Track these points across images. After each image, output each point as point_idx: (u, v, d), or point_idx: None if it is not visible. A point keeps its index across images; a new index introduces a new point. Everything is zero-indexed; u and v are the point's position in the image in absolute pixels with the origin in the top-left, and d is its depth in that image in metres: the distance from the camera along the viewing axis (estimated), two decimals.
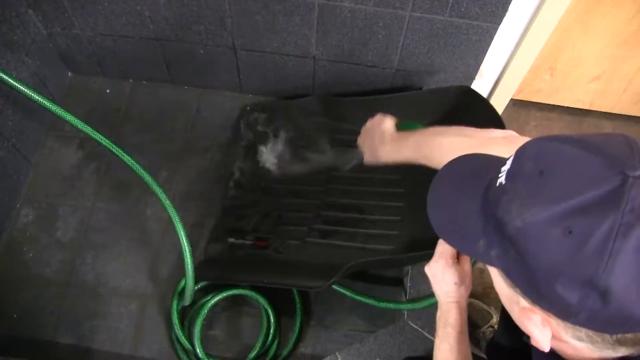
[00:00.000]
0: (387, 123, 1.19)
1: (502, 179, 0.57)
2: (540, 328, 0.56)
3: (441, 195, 0.70)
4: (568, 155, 0.52)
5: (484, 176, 0.62)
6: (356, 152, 1.30)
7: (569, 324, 0.53)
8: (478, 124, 1.25)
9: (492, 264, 0.58)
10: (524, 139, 0.85)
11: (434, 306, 1.36)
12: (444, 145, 0.95)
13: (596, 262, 0.47)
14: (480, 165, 0.67)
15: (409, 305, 1.39)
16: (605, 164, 0.50)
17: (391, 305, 1.42)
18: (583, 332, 0.53)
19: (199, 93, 1.82)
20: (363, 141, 1.26)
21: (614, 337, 0.52)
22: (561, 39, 1.61)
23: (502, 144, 0.88)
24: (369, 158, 1.22)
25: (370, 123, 1.25)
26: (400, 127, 1.18)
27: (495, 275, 0.60)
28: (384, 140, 1.15)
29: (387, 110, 1.58)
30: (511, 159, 0.57)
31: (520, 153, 0.57)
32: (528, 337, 0.59)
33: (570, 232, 0.48)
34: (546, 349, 0.57)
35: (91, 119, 1.40)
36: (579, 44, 1.64)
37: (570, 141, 0.53)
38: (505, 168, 0.57)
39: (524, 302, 0.56)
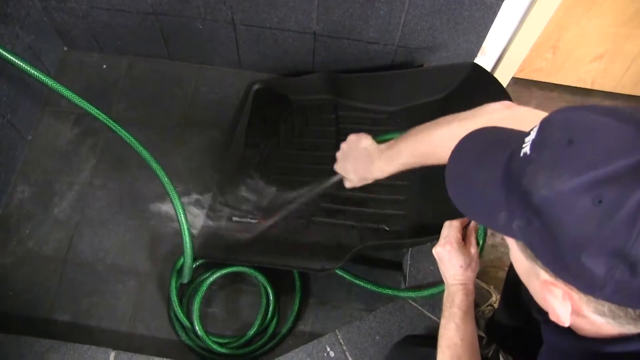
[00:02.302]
0: (366, 139, 1.12)
1: (526, 149, 0.55)
2: (561, 302, 0.55)
3: (459, 168, 0.68)
4: (598, 123, 0.51)
5: (504, 147, 0.60)
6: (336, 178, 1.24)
7: (592, 298, 0.52)
8: (484, 100, 1.23)
9: (513, 236, 0.57)
10: (523, 108, 0.84)
11: (435, 294, 1.38)
12: (443, 139, 0.92)
13: (626, 233, 0.46)
14: (499, 137, 0.65)
15: (410, 293, 1.38)
16: (637, 134, 0.48)
17: (390, 292, 1.42)
18: (606, 306, 0.52)
19: (197, 69, 1.80)
20: (343, 166, 1.18)
21: (638, 311, 0.51)
22: (565, 16, 1.59)
23: (506, 116, 0.85)
24: (354, 181, 1.16)
25: (346, 145, 1.17)
26: (380, 140, 1.12)
27: (514, 249, 0.59)
28: (371, 157, 1.09)
29: (393, 87, 1.57)
30: (535, 129, 0.56)
31: (546, 123, 0.55)
32: (541, 313, 0.58)
33: (600, 201, 0.47)
34: (566, 324, 0.56)
35: (87, 95, 1.37)
36: (582, 21, 1.62)
37: (601, 110, 0.52)
38: (529, 138, 0.55)
39: (544, 275, 0.55)
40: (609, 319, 0.53)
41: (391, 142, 1.06)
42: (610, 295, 0.50)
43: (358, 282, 1.44)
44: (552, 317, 0.56)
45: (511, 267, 1.18)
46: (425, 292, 1.36)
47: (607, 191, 0.47)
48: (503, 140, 0.62)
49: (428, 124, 0.98)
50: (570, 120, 0.53)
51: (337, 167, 1.20)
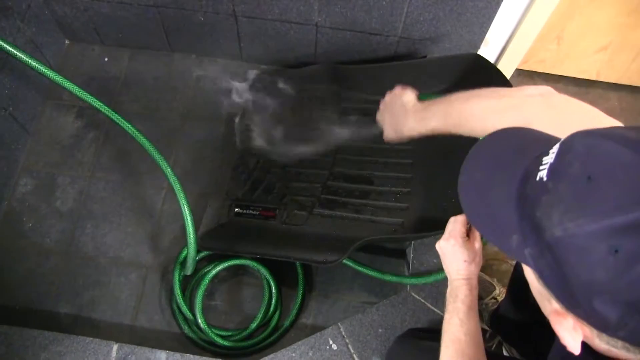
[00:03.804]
0: (409, 95, 1.11)
1: (543, 173, 0.51)
2: (572, 332, 0.52)
3: (473, 179, 0.64)
4: (622, 161, 0.46)
5: (521, 160, 0.56)
6: (374, 125, 1.22)
7: (604, 335, 0.50)
8: None
9: (525, 263, 0.54)
10: (560, 96, 0.80)
11: (439, 280, 1.37)
12: (475, 111, 0.89)
13: None
14: (517, 145, 0.61)
15: (414, 280, 1.38)
16: None
17: (395, 279, 1.41)
18: (619, 343, 0.49)
19: (199, 61, 1.79)
20: (383, 116, 1.18)
21: None
22: (569, 6, 1.58)
23: (538, 103, 0.81)
24: (390, 134, 1.15)
25: (389, 96, 1.17)
26: (422, 98, 1.10)
27: (527, 270, 0.56)
28: (407, 113, 1.07)
29: (395, 77, 1.56)
30: (555, 152, 0.52)
31: (566, 147, 0.51)
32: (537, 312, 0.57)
33: (616, 251, 0.44)
34: (576, 352, 0.53)
35: (89, 88, 1.37)
36: (587, 12, 1.60)
37: (627, 142, 0.47)
38: (547, 160, 0.51)
39: (556, 305, 0.52)
40: (622, 351, 0.51)
41: (428, 102, 1.04)
42: (623, 336, 0.48)
43: (362, 269, 1.43)
44: (563, 343, 0.53)
45: (518, 265, 1.17)
46: (429, 279, 1.36)
47: (625, 241, 0.44)
48: (520, 149, 0.59)
49: (465, 94, 0.94)
50: (593, 151, 0.49)
51: (378, 116, 1.19)
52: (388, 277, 1.42)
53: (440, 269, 1.38)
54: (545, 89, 0.83)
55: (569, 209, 0.47)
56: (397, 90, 1.15)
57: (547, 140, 0.56)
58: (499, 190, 0.57)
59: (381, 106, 1.19)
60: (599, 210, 0.45)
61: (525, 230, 0.53)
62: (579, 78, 1.89)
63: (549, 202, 0.50)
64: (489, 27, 1.52)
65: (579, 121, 0.73)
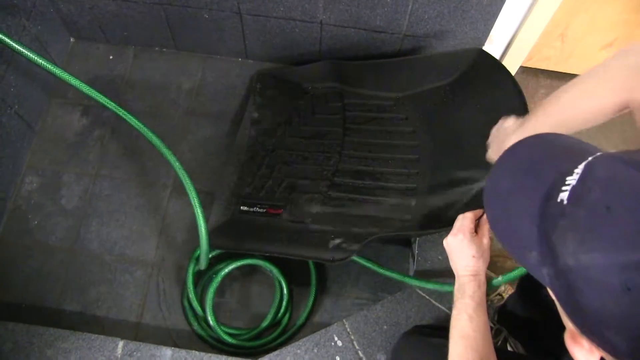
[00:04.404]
0: (510, 119, 1.08)
1: (564, 195, 0.50)
2: (587, 354, 0.51)
3: (499, 188, 0.62)
4: None
5: (548, 173, 0.54)
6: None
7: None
8: (490, 86, 1.22)
9: (542, 281, 0.53)
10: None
11: (443, 275, 1.37)
12: (576, 100, 0.85)
13: None
14: (547, 155, 0.59)
15: (417, 282, 1.37)
16: None
17: (399, 277, 1.41)
18: None
19: (204, 59, 1.79)
20: (492, 146, 1.13)
21: None
22: (573, 3, 1.57)
23: (625, 69, 0.77)
24: (495, 155, 1.11)
25: (494, 128, 1.12)
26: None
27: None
28: (507, 135, 1.04)
29: (399, 73, 1.57)
30: (580, 171, 0.50)
31: (589, 170, 0.50)
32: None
33: (628, 288, 0.43)
34: None
35: (94, 86, 1.38)
36: (591, 8, 1.60)
37: None
38: (570, 182, 0.50)
39: (571, 325, 0.51)
40: None
41: (526, 117, 1.00)
42: None
43: (367, 265, 1.42)
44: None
45: None
46: (432, 285, 1.35)
47: (638, 279, 0.43)
48: (549, 162, 0.57)
49: (557, 92, 0.90)
50: (614, 180, 0.47)
51: (488, 153, 1.14)
52: (393, 275, 1.41)
53: (445, 273, 1.37)
54: (634, 51, 0.78)
55: (584, 239, 0.46)
56: (502, 119, 1.11)
57: (578, 154, 0.54)
58: (522, 204, 0.56)
59: (490, 137, 1.14)
60: (613, 244, 0.44)
61: (544, 250, 0.52)
62: None
63: (565, 227, 0.49)
64: (493, 24, 1.51)
65: None
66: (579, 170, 0.50)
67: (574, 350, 0.52)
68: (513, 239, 0.58)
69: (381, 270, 1.40)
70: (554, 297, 0.54)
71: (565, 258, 0.48)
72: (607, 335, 0.46)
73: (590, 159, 0.51)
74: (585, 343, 0.51)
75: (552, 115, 0.90)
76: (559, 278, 0.49)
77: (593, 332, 0.48)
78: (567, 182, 0.50)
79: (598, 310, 0.46)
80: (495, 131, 1.12)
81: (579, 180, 0.49)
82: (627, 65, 0.77)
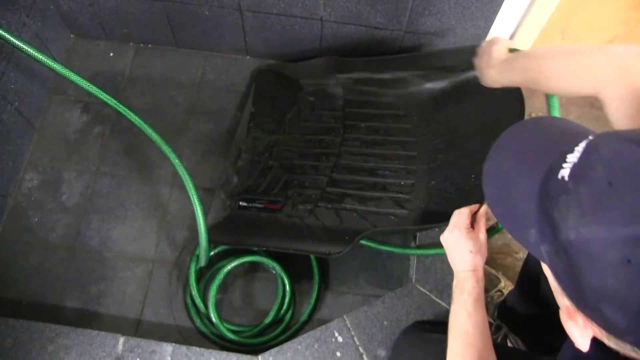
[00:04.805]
0: (499, 45, 1.10)
1: (565, 172, 0.51)
2: (581, 330, 0.52)
3: (499, 168, 0.63)
4: None
5: (548, 154, 0.55)
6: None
7: (612, 336, 0.50)
8: None
9: (541, 259, 0.54)
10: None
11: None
12: (553, 71, 0.88)
13: None
14: (547, 137, 0.60)
15: (419, 251, 1.40)
16: None
17: (400, 250, 1.44)
18: (628, 346, 0.49)
19: (204, 56, 1.79)
20: (476, 62, 1.17)
21: None
22: (574, 1, 1.57)
23: (617, 68, 0.77)
24: (481, 79, 1.15)
25: (484, 43, 1.16)
26: (513, 52, 1.10)
27: (544, 265, 0.56)
28: (491, 63, 1.08)
29: (400, 69, 1.57)
30: (581, 149, 0.51)
31: (591, 148, 0.50)
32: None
33: (628, 261, 0.44)
34: (584, 349, 0.53)
35: (94, 82, 1.37)
36: (591, 6, 1.60)
37: None
38: (571, 159, 0.51)
39: (567, 302, 0.52)
40: (632, 353, 0.50)
41: (512, 55, 1.04)
42: (631, 341, 0.48)
43: (367, 244, 1.43)
44: (572, 339, 0.54)
45: (529, 257, 1.18)
46: (433, 251, 1.37)
47: (638, 252, 0.43)
48: (548, 142, 0.58)
49: (548, 49, 0.94)
50: (618, 156, 0.48)
51: (474, 60, 1.19)
52: (392, 249, 1.43)
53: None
54: (628, 49, 0.79)
55: (586, 213, 0.47)
56: (494, 38, 1.14)
57: (577, 134, 0.55)
58: (522, 183, 0.57)
59: (478, 51, 1.17)
60: (615, 218, 0.45)
61: (543, 227, 0.52)
62: None
63: (567, 202, 0.49)
64: (493, 21, 1.51)
65: None
66: (579, 148, 0.51)
67: (568, 326, 0.53)
68: (512, 217, 0.59)
69: (382, 247, 1.42)
70: (550, 276, 0.54)
71: (566, 232, 0.48)
72: (604, 310, 0.47)
73: (591, 137, 0.52)
74: (580, 319, 0.52)
75: (533, 72, 0.94)
76: (559, 254, 0.50)
77: (590, 308, 0.49)
78: (567, 160, 0.51)
79: (597, 285, 0.46)
80: (483, 48, 1.15)
81: (581, 157, 0.50)
82: (610, 62, 0.79)
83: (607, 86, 0.76)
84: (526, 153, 0.60)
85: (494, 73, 1.06)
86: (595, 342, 0.55)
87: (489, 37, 1.13)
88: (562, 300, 0.54)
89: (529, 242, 0.55)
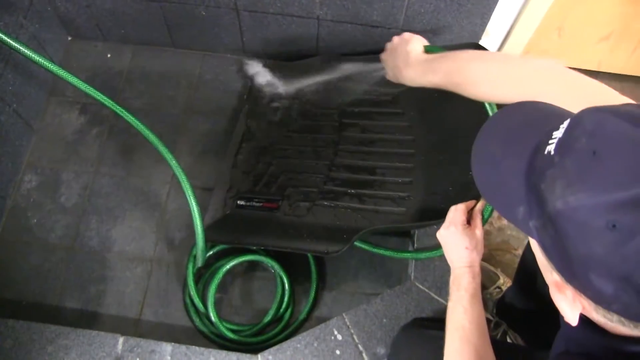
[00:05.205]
0: (415, 43, 1.10)
1: (551, 147, 0.52)
2: (570, 303, 0.53)
3: (486, 150, 0.65)
4: (628, 138, 0.47)
5: (534, 133, 0.57)
6: (378, 66, 1.22)
7: (600, 307, 0.51)
8: None
9: (530, 234, 0.55)
10: (569, 72, 0.79)
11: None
12: (479, 77, 0.89)
13: (637, 262, 0.44)
14: (532, 118, 0.61)
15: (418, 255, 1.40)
16: None
17: (397, 254, 1.43)
18: (615, 316, 0.50)
19: (201, 56, 1.79)
20: (386, 58, 1.17)
21: None
22: None
23: (546, 77, 0.80)
24: (391, 77, 1.15)
25: (397, 39, 1.15)
26: (428, 50, 1.10)
27: (533, 242, 0.57)
28: (409, 62, 1.07)
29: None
30: (565, 126, 0.52)
31: (575, 122, 0.51)
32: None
33: (614, 226, 0.45)
34: (573, 324, 0.54)
35: (92, 84, 1.38)
36: (587, 2, 1.60)
37: (635, 120, 0.48)
38: (557, 135, 0.52)
39: (556, 276, 0.53)
40: (618, 324, 0.52)
41: (433, 56, 1.03)
42: (618, 310, 0.49)
43: (361, 245, 1.44)
44: (561, 313, 0.55)
45: (525, 253, 1.18)
46: (425, 254, 1.37)
47: (623, 217, 0.44)
48: (535, 122, 0.59)
49: (470, 55, 0.95)
50: (601, 127, 0.49)
51: (383, 55, 1.18)
52: (386, 253, 1.43)
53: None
54: (552, 63, 0.81)
55: (571, 182, 0.48)
56: (406, 35, 1.14)
57: (561, 115, 0.56)
58: (510, 162, 0.58)
59: (387, 46, 1.18)
60: (599, 185, 0.46)
61: (531, 203, 0.54)
62: (580, 68, 1.86)
63: (553, 175, 0.50)
64: (489, 17, 1.52)
65: (586, 97, 0.73)
66: (564, 124, 0.52)
67: (557, 299, 0.54)
68: (501, 197, 0.60)
69: (375, 250, 1.43)
70: (539, 252, 0.56)
71: (553, 203, 0.49)
72: (592, 278, 0.48)
73: (575, 113, 0.53)
74: (569, 292, 0.53)
75: (458, 76, 0.93)
76: (547, 227, 0.51)
77: (578, 278, 0.50)
78: (553, 136, 0.52)
79: (585, 253, 0.47)
80: (395, 45, 1.14)
81: (566, 132, 0.51)
82: (540, 71, 0.81)
83: (538, 92, 0.76)
84: (513, 134, 0.61)
85: (412, 73, 1.06)
86: (584, 323, 0.56)
87: (407, 35, 1.12)
88: (551, 276, 0.55)
89: (518, 219, 0.56)
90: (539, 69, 0.83)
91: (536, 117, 0.62)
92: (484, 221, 1.12)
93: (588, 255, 0.47)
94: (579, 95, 0.76)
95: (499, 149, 0.62)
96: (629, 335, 0.54)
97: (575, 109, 0.55)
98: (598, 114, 0.51)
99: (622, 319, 0.50)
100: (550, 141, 0.53)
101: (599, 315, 0.53)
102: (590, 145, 0.48)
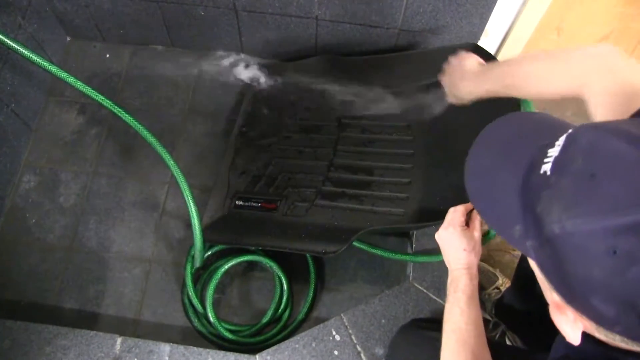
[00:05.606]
0: (471, 60, 1.11)
1: (547, 166, 0.51)
2: (572, 323, 0.52)
3: (480, 164, 0.63)
4: (626, 161, 0.46)
5: (529, 147, 0.55)
6: (439, 92, 1.24)
7: (602, 328, 0.50)
8: None
9: (527, 254, 0.54)
10: (622, 59, 0.75)
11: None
12: (531, 74, 0.88)
13: (638, 288, 0.44)
14: (527, 132, 0.60)
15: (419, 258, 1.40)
16: None
17: (398, 257, 1.44)
18: (617, 337, 0.50)
19: (200, 56, 1.79)
20: (445, 79, 1.18)
21: None
22: None
23: (597, 67, 0.76)
24: (450, 96, 1.16)
25: (454, 59, 1.16)
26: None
27: (531, 261, 0.55)
28: (465, 77, 1.08)
29: (396, 67, 1.56)
30: (561, 143, 0.51)
31: (571, 140, 0.50)
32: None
33: (614, 252, 0.44)
34: (576, 343, 0.53)
35: (91, 84, 1.37)
36: (587, 2, 1.60)
37: (631, 140, 0.47)
38: (552, 153, 0.51)
39: (556, 297, 0.52)
40: (622, 344, 0.51)
41: (486, 66, 1.06)
42: (620, 332, 0.48)
43: (359, 246, 1.44)
44: (563, 334, 0.54)
45: (523, 255, 1.18)
46: (422, 258, 1.38)
47: (623, 242, 0.44)
48: (530, 136, 0.58)
49: (521, 57, 0.95)
50: (597, 148, 0.48)
51: (442, 77, 1.19)
52: (384, 254, 1.43)
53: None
54: (606, 49, 0.78)
55: (569, 206, 0.47)
56: (462, 54, 1.15)
57: (557, 128, 0.55)
58: (504, 179, 0.57)
59: (445, 68, 1.18)
60: (598, 209, 0.45)
61: (528, 222, 0.52)
62: None
63: (550, 197, 0.49)
64: (488, 17, 1.51)
65: (636, 93, 0.70)
66: (560, 142, 0.51)
67: (558, 321, 0.53)
68: (496, 215, 0.59)
69: (373, 250, 1.43)
70: (537, 271, 0.54)
71: (551, 226, 0.48)
72: (593, 302, 0.47)
73: (571, 130, 0.52)
74: (570, 313, 0.52)
75: (510, 78, 0.93)
76: (544, 248, 0.50)
77: (579, 300, 0.49)
78: (548, 155, 0.51)
79: (584, 277, 0.47)
80: (453, 65, 1.15)
81: (562, 151, 0.50)
82: (590, 60, 0.79)
83: (588, 84, 0.76)
84: (507, 148, 0.60)
85: (468, 85, 1.07)
86: (585, 335, 0.55)
87: (463, 54, 1.14)
88: (551, 296, 0.54)
89: (514, 238, 0.55)
90: (589, 57, 0.79)
91: (530, 130, 0.60)
92: (490, 237, 1.13)
93: (588, 279, 0.46)
94: (626, 92, 0.72)
95: (493, 165, 0.61)
96: (631, 350, 0.53)
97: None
98: (594, 132, 0.50)
99: (625, 338, 0.49)
100: (545, 160, 0.51)
101: (600, 335, 0.52)
102: (587, 167, 0.47)
